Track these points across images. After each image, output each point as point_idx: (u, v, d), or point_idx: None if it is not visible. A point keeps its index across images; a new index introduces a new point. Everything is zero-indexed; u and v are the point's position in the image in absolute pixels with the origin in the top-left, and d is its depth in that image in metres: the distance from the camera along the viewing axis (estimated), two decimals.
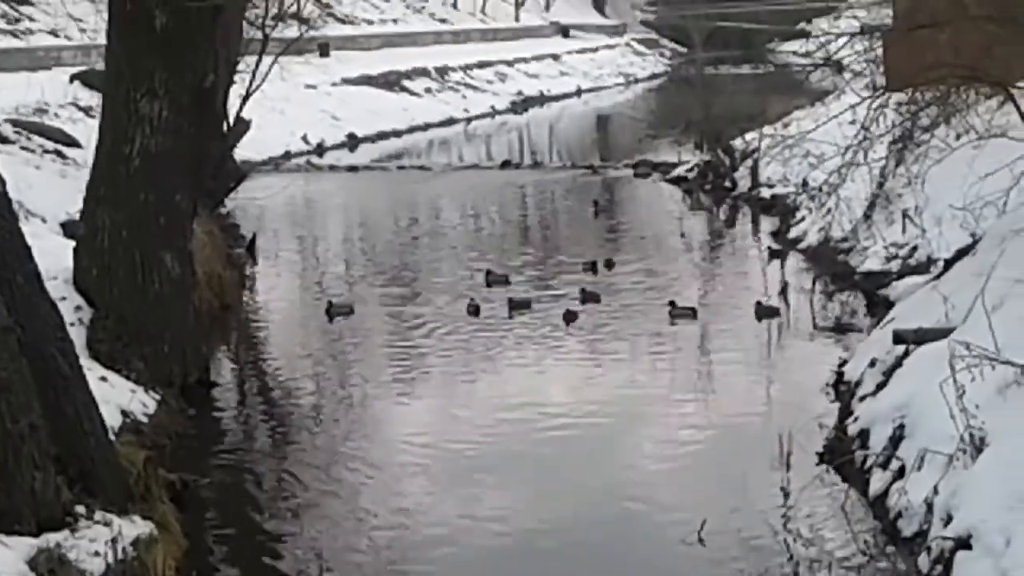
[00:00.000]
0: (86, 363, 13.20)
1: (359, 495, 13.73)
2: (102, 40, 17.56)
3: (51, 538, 10.58)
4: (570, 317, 19.89)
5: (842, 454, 13.48)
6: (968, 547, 10.18)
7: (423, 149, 48.12)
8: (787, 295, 21.06)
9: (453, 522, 12.86)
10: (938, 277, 17.13)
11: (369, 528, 12.81)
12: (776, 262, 23.28)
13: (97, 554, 10.71)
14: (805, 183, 25.84)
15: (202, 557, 12.11)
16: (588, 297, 21.08)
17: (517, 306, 20.63)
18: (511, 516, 12.97)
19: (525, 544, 12.39)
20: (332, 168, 41.44)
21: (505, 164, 41.22)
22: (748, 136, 33.00)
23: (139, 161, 16.31)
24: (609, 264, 23.71)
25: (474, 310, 20.57)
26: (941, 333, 13.69)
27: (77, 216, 17.86)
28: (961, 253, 17.01)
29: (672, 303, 20.36)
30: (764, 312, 20.20)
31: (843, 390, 15.76)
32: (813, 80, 35.43)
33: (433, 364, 18.41)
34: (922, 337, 14.27)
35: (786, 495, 12.85)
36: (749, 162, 32.00)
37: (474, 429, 15.53)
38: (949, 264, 17.22)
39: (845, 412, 14.77)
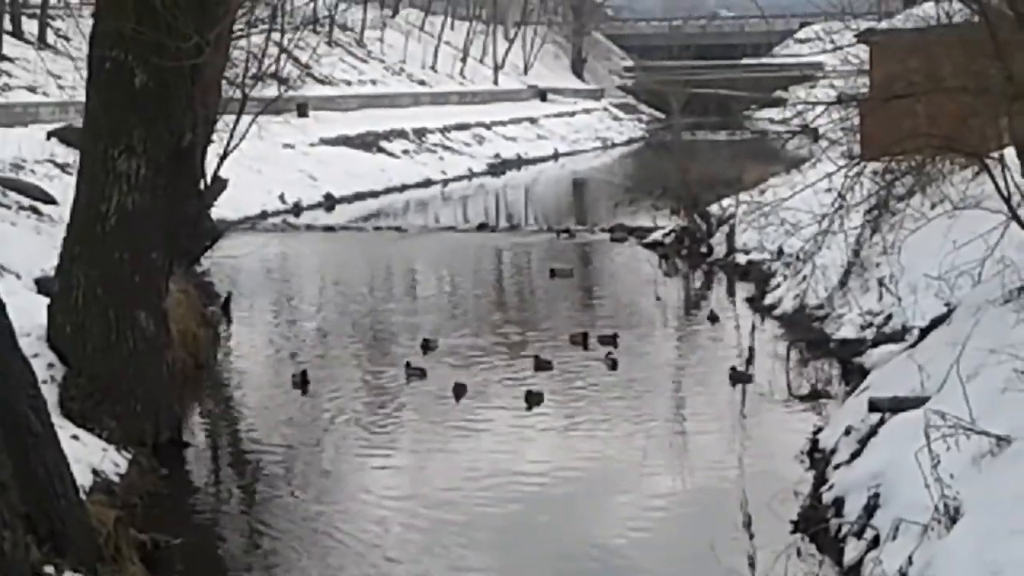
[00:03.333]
0: (58, 421, 13.13)
1: (331, 557, 13.62)
2: (80, 97, 17.59)
3: None
4: (533, 399, 19.10)
5: (816, 522, 13.45)
6: None
7: (399, 210, 48.22)
8: (762, 362, 21.05)
9: None
10: (913, 346, 17.16)
11: None
12: (751, 329, 23.30)
13: None
14: (781, 250, 25.94)
15: None
16: (541, 365, 21.04)
17: (459, 390, 19.65)
18: None
19: None
20: (308, 228, 41.45)
21: (481, 227, 41.30)
22: (725, 202, 33.14)
23: (115, 219, 16.28)
24: (612, 340, 22.46)
25: (418, 373, 20.52)
26: (916, 402, 13.70)
27: (52, 273, 17.80)
28: (936, 322, 17.06)
29: (608, 353, 21.44)
30: (738, 378, 20.23)
31: (818, 458, 15.73)
32: (790, 147, 35.67)
33: (403, 427, 18.31)
34: (897, 406, 14.27)
35: (760, 564, 12.75)
36: (725, 228, 32.11)
37: (446, 493, 15.42)
38: (924, 333, 17.25)
39: (820, 480, 14.73)
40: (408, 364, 20.84)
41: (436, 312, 26.82)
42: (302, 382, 20.20)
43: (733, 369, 20.50)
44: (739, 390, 19.88)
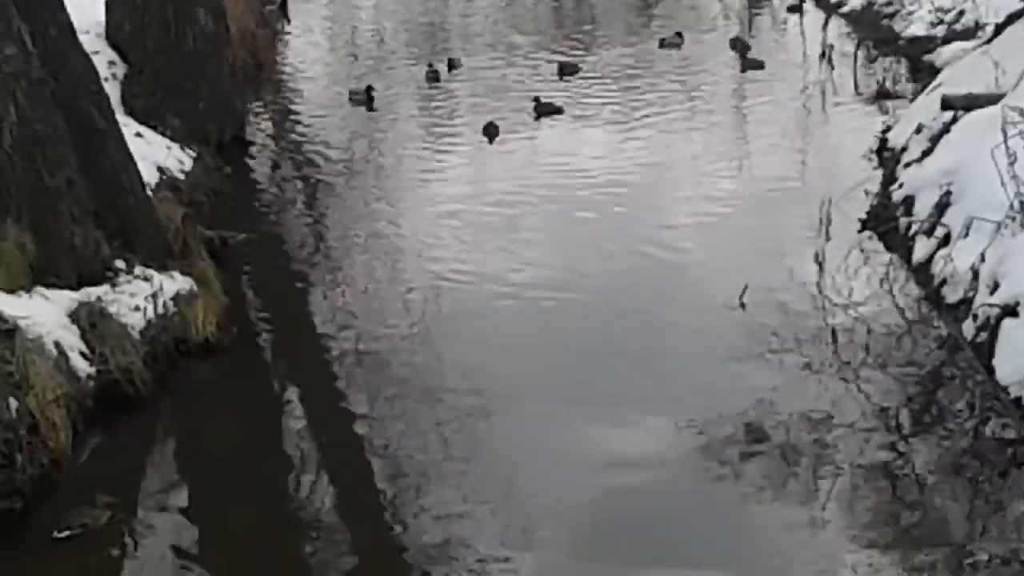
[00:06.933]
0: (121, 119, 13.02)
1: (394, 252, 13.70)
2: None
3: (92, 292, 10.60)
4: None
5: (885, 221, 13.32)
6: (1015, 314, 10.08)
7: None
8: (830, 60, 20.65)
9: (487, 278, 12.82)
10: (988, 42, 16.71)
11: (405, 285, 12.77)
12: (816, 24, 22.77)
13: (137, 308, 10.72)
14: None
15: (241, 312, 12.09)
16: (566, 70, 20.91)
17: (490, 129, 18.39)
18: (546, 276, 12.85)
19: (561, 303, 12.27)
20: None
21: None
22: None
23: None
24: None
25: (433, 76, 20.55)
26: (991, 99, 13.40)
27: None
28: (1013, 17, 16.58)
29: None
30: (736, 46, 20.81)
31: (887, 156, 15.46)
32: None
33: (466, 132, 18.10)
34: (971, 103, 13.94)
35: (827, 262, 12.64)
36: None
37: (507, 192, 15.35)
38: (1000, 29, 16.79)
39: (889, 179, 14.51)
40: (430, 65, 21.04)
41: (493, 21, 26.39)
42: (367, 98, 19.62)
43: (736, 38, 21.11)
44: (808, 89, 19.54)
